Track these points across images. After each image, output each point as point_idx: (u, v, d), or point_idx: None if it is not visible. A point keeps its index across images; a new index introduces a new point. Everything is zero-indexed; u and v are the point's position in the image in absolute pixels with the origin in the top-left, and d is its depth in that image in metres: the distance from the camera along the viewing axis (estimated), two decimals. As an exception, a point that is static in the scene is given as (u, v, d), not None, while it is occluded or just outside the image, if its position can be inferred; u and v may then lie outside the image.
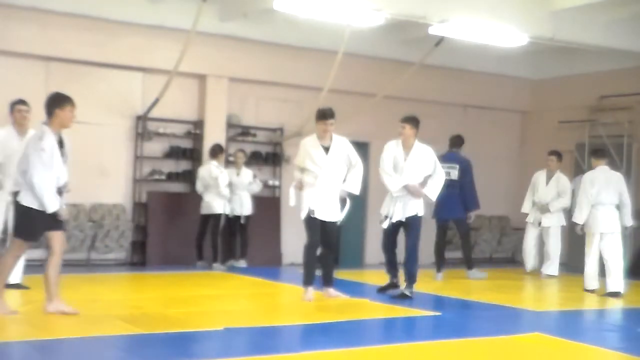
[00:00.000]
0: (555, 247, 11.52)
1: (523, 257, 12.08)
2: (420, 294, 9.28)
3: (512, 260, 14.84)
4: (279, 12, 10.28)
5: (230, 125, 12.31)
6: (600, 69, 13.55)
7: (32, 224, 6.68)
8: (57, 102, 6.87)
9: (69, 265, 10.85)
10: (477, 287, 10.22)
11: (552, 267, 11.53)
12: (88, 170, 11.35)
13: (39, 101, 10.98)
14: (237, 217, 11.68)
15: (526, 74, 14.83)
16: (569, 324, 7.65)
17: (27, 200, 6.61)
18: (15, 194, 6.70)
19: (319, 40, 12.14)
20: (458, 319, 7.46)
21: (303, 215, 8.29)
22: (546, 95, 14.78)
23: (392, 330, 6.83)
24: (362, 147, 13.64)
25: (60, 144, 6.86)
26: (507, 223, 15.06)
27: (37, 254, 10.82)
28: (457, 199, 10.79)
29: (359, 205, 13.59)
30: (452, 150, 11.18)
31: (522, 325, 7.12)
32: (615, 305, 8.91)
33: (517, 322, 7.46)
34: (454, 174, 10.79)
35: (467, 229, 11.20)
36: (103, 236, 11.13)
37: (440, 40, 11.48)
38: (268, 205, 12.43)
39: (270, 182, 12.63)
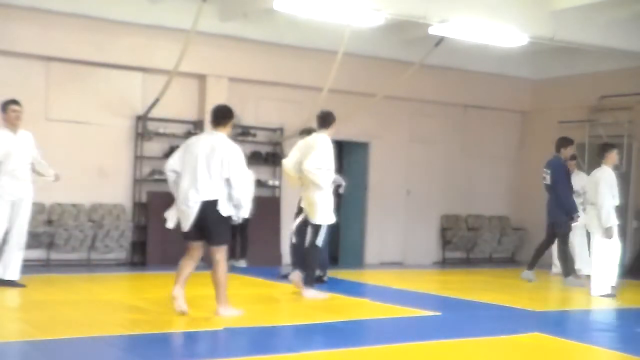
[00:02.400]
0: (580, 247, 11.38)
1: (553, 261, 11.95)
2: (420, 294, 9.29)
3: (512, 260, 14.85)
4: (279, 12, 10.28)
5: (230, 125, 12.30)
6: (600, 69, 13.55)
7: (229, 228, 6.97)
8: (230, 113, 7.21)
9: (69, 265, 10.89)
10: (477, 287, 10.22)
11: (583, 265, 11.38)
12: (88, 170, 11.36)
13: (39, 101, 11.11)
14: (236, 217, 11.67)
15: (526, 74, 14.83)
16: (569, 324, 7.65)
17: (226, 210, 6.75)
18: (207, 203, 6.67)
19: (319, 40, 12.14)
20: (458, 319, 7.45)
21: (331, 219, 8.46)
22: (546, 95, 14.77)
23: (392, 330, 6.82)
24: (362, 147, 13.72)
25: None
26: (507, 223, 15.06)
27: (36, 254, 10.84)
28: (554, 203, 10.68)
29: (359, 205, 13.63)
30: (554, 154, 11.03)
31: (522, 325, 7.11)
32: (615, 306, 8.91)
33: (517, 322, 7.45)
34: (547, 179, 10.76)
35: (562, 233, 10.76)
36: (103, 236, 11.13)
37: (440, 40, 11.48)
38: (268, 205, 12.42)
39: (270, 182, 12.62)
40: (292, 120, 12.36)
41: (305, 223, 8.67)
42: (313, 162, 8.36)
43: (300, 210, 8.89)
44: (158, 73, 11.41)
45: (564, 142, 11.04)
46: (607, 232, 9.37)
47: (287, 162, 8.75)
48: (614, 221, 9.40)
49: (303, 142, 8.75)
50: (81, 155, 11.34)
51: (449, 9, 10.38)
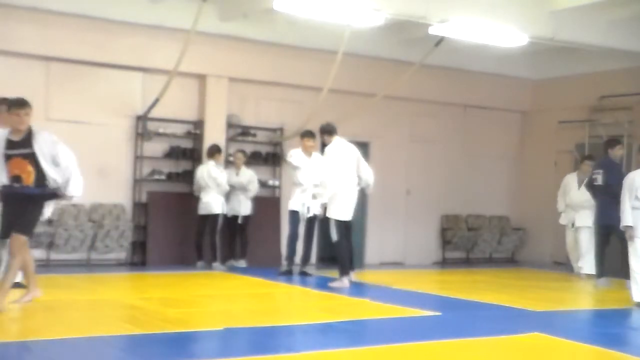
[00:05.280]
0: (588, 246, 11.37)
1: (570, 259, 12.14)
2: (420, 294, 9.30)
3: (512, 260, 14.85)
4: (279, 12, 10.27)
5: (230, 125, 12.31)
6: (600, 69, 13.54)
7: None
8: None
9: (69, 265, 10.89)
10: (477, 287, 10.22)
11: (587, 265, 11.35)
12: (88, 170, 11.31)
13: (39, 101, 11.08)
14: (236, 217, 11.68)
15: (526, 74, 14.83)
16: (569, 324, 7.65)
17: None
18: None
19: (319, 40, 12.13)
20: (458, 319, 7.46)
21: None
22: (546, 95, 14.77)
23: (392, 330, 6.82)
24: (362, 147, 13.65)
25: None
26: (507, 223, 15.06)
27: (36, 254, 10.83)
28: (610, 205, 9.69)
29: (359, 205, 13.60)
30: (604, 155, 10.74)
31: (522, 325, 7.11)
32: (615, 306, 8.91)
33: (517, 322, 7.45)
34: (599, 179, 10.37)
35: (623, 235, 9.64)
36: (103, 236, 11.13)
37: (440, 40, 11.48)
38: (268, 205, 12.43)
39: (270, 182, 12.62)
40: (292, 120, 12.36)
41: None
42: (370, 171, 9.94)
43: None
44: (158, 73, 11.41)
45: (612, 143, 10.77)
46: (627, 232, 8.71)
47: None
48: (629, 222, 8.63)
49: (346, 151, 9.82)
50: (81, 155, 11.22)
51: (449, 9, 10.39)
